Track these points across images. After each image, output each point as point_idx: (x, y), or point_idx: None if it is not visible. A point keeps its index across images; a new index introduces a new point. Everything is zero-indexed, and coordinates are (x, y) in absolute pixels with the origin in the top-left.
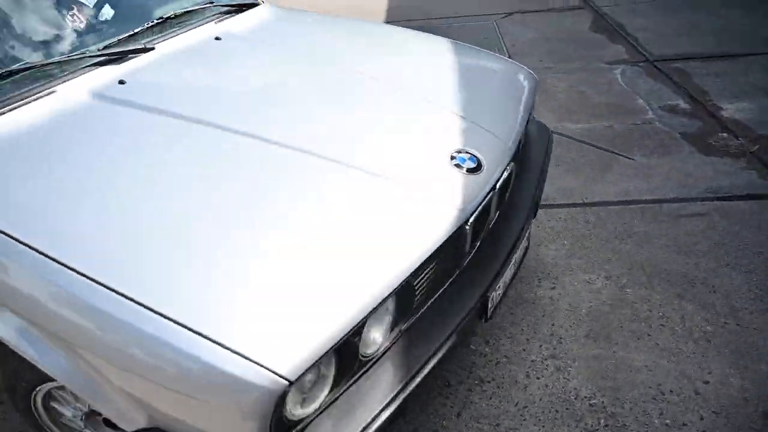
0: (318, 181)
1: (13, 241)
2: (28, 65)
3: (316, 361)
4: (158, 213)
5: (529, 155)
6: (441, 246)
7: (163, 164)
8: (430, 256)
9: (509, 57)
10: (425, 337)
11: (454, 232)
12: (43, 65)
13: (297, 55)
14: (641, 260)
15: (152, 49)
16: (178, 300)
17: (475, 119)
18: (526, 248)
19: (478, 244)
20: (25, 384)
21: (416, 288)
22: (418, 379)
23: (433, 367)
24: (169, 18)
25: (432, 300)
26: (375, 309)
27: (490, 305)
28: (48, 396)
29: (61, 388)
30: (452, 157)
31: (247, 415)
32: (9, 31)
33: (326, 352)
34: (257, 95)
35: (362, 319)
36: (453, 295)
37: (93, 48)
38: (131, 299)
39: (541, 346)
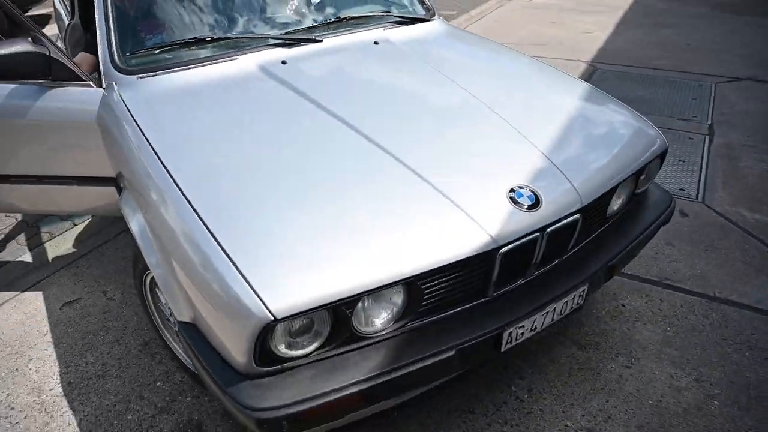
0: (385, 178)
1: (165, 171)
2: (228, 36)
3: (305, 312)
4: (260, 170)
5: (630, 219)
6: (459, 262)
7: (281, 134)
8: (443, 267)
9: (710, 125)
10: (426, 341)
11: (479, 255)
12: (236, 38)
13: (433, 70)
14: (750, 378)
15: (320, 41)
16: (238, 237)
17: (558, 162)
18: (579, 307)
19: (521, 281)
20: (141, 267)
21: (426, 291)
22: (399, 373)
23: (429, 374)
24: (347, 18)
25: (448, 312)
26: (372, 291)
27: (505, 340)
28: (153, 281)
29: None
30: (512, 189)
31: (240, 335)
32: (223, 8)
33: (315, 308)
34: (379, 98)
35: (356, 294)
36: (471, 316)
37: (276, 32)
38: (212, 233)
39: (583, 415)
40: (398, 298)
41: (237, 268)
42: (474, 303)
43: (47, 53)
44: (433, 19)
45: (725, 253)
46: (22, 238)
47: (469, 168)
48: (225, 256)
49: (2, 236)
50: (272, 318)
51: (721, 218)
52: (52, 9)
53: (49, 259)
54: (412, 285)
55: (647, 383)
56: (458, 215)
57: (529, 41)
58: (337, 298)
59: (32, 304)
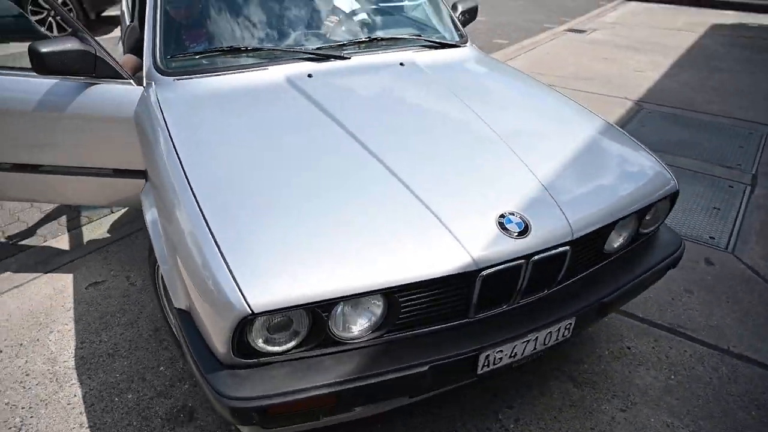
0: (379, 192)
1: (181, 168)
2: (261, 47)
3: (282, 309)
4: (267, 177)
5: (632, 259)
6: (437, 280)
7: (294, 144)
8: (420, 282)
9: (754, 175)
10: (401, 354)
11: (458, 275)
12: (269, 50)
13: (450, 94)
14: None
15: (348, 58)
16: (234, 238)
17: (555, 193)
18: (565, 339)
19: (506, 307)
20: (153, 256)
21: (403, 304)
22: (369, 381)
23: (401, 387)
24: (378, 39)
25: (426, 328)
26: (348, 298)
27: (482, 363)
28: None
29: None
30: (502, 215)
31: (222, 325)
32: (259, 21)
33: (292, 307)
34: (391, 116)
35: (332, 298)
36: (450, 335)
37: (308, 46)
38: (211, 231)
39: None
40: (377, 307)
41: (227, 265)
42: (454, 323)
43: (93, 52)
44: (464, 46)
45: (747, 306)
46: (63, 219)
47: (463, 190)
48: (219, 253)
49: (43, 216)
50: (250, 312)
51: (749, 271)
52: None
53: (84, 241)
54: (390, 296)
55: (640, 429)
56: (443, 234)
57: (575, 75)
58: (313, 300)
59: (62, 281)
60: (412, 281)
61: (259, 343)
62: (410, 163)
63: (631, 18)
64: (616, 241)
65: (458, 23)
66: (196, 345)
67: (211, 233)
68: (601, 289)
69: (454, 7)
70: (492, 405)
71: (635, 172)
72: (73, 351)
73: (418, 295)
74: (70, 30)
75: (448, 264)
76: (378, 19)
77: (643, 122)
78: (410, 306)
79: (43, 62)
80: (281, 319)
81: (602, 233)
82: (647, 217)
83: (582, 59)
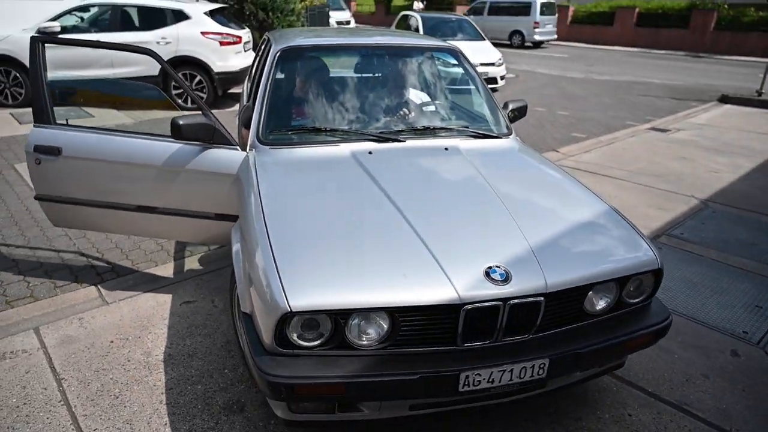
0: (398, 238)
1: (261, 209)
2: (337, 128)
3: (311, 312)
4: (321, 220)
5: (615, 324)
6: (429, 307)
7: (346, 201)
8: (415, 307)
9: None
10: (399, 363)
11: (445, 306)
12: (343, 131)
13: (478, 174)
14: None
15: (403, 141)
16: (288, 257)
17: (539, 254)
18: (540, 378)
19: (490, 342)
20: (233, 280)
21: (402, 324)
22: (371, 379)
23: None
24: (432, 128)
25: (422, 348)
26: (359, 311)
27: (462, 381)
28: None
29: None
30: (490, 266)
31: (269, 321)
32: (338, 111)
33: (318, 311)
34: (425, 188)
35: (347, 309)
36: (439, 355)
37: (374, 130)
38: (273, 252)
39: None
40: (383, 323)
41: (279, 277)
42: (445, 348)
43: (213, 125)
44: (506, 138)
45: (764, 398)
46: (171, 250)
47: (463, 243)
48: (275, 269)
49: (159, 248)
50: (289, 310)
51: None
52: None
53: (184, 269)
54: (393, 315)
55: None
56: (439, 274)
57: (645, 171)
58: (333, 308)
59: (163, 297)
60: (409, 305)
61: (294, 337)
62: (426, 219)
63: (723, 120)
64: (598, 304)
65: (505, 118)
66: (251, 338)
67: (273, 255)
68: (579, 341)
69: (505, 105)
70: None
71: (619, 247)
72: (164, 348)
73: (414, 318)
74: (198, 108)
75: (438, 296)
76: (435, 111)
77: (704, 220)
78: (408, 325)
79: (179, 130)
80: (310, 320)
81: (578, 293)
82: (630, 289)
83: (657, 157)
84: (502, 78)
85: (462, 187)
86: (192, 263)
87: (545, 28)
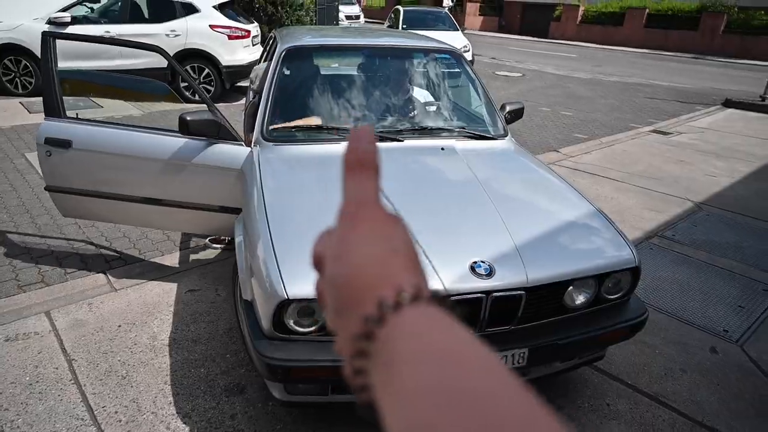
0: None
1: (263, 202)
2: (336, 127)
3: (307, 300)
4: (318, 212)
5: (594, 318)
6: None
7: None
8: None
9: None
10: None
11: None
12: (343, 129)
13: (470, 173)
14: None
15: (401, 141)
16: (286, 246)
17: (522, 251)
18: (520, 366)
19: (480, 329)
20: (235, 272)
21: None
22: None
23: None
24: (430, 128)
25: None
26: None
27: None
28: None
29: None
30: (475, 261)
31: (268, 307)
32: (338, 109)
33: (313, 300)
34: (417, 184)
35: None
36: None
37: (376, 129)
38: (272, 241)
39: None
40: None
41: (278, 267)
42: None
43: (219, 121)
44: (502, 139)
45: (736, 392)
46: (177, 241)
47: (450, 238)
48: (275, 259)
49: (165, 238)
50: (286, 297)
51: (751, 364)
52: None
53: (189, 259)
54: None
55: None
56: (426, 265)
57: (642, 173)
58: None
59: (169, 285)
60: None
61: (290, 323)
62: (418, 216)
63: (725, 124)
64: (577, 299)
65: (502, 120)
66: (252, 324)
67: (273, 245)
68: (558, 333)
69: (503, 107)
70: None
71: (600, 246)
72: (169, 333)
73: None
74: (204, 104)
75: None
76: (434, 111)
77: (696, 222)
78: None
79: (187, 126)
80: (306, 307)
81: (557, 287)
82: (609, 285)
83: (656, 159)
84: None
85: (455, 186)
86: (196, 254)
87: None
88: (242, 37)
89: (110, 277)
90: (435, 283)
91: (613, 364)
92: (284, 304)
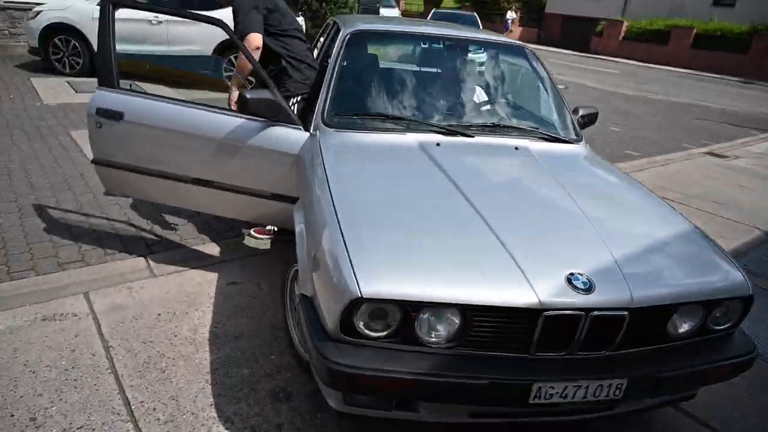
0: (472, 232)
1: (328, 190)
2: (403, 117)
3: (382, 300)
4: (390, 206)
5: (698, 351)
6: (504, 309)
7: (415, 189)
8: (490, 306)
9: None
10: (468, 366)
11: (523, 310)
12: (410, 120)
13: (551, 177)
14: None
15: (472, 137)
16: (357, 239)
17: (624, 266)
18: (616, 399)
19: (565, 355)
20: (290, 260)
21: (475, 323)
22: (436, 380)
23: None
24: (501, 125)
25: (493, 352)
26: (430, 305)
27: (534, 392)
28: (294, 273)
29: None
30: (572, 273)
31: (336, 306)
32: (405, 98)
33: (388, 300)
34: (497, 185)
35: (419, 301)
36: (511, 362)
37: (441, 122)
38: (341, 231)
39: None
40: (454, 321)
41: (349, 258)
42: (517, 355)
43: (279, 102)
44: (577, 144)
45: None
46: (219, 229)
47: (543, 246)
48: (346, 252)
49: (208, 225)
50: (359, 296)
51: None
52: None
53: (231, 249)
54: (465, 313)
55: None
56: (519, 276)
57: (703, 196)
58: (405, 299)
59: (211, 275)
60: (484, 304)
61: (360, 326)
62: (502, 218)
63: None
64: (681, 327)
65: (576, 124)
66: (313, 322)
67: (343, 238)
68: (659, 365)
69: (575, 111)
70: None
71: (707, 269)
72: (210, 327)
73: (488, 319)
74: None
75: (517, 298)
76: (503, 108)
77: (766, 251)
78: (480, 326)
79: (246, 104)
80: (379, 309)
81: (663, 312)
82: (716, 314)
83: (715, 183)
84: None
85: (537, 190)
86: (239, 243)
87: None
88: None
89: (150, 261)
90: (528, 295)
91: (700, 407)
92: (355, 303)
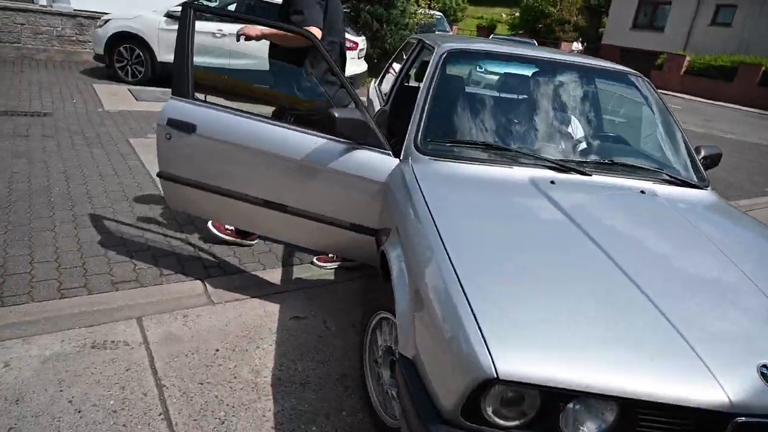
0: (634, 307)
1: (436, 232)
2: (509, 148)
3: (523, 384)
4: (516, 256)
5: None
6: (685, 408)
7: (541, 237)
8: (665, 404)
9: None
10: None
11: (709, 411)
12: (516, 151)
13: (693, 228)
14: None
15: (589, 175)
16: (483, 298)
17: None
18: None
19: None
20: (375, 306)
21: (641, 421)
22: None
23: None
24: (619, 164)
25: None
26: (585, 394)
27: None
28: (379, 322)
29: (387, 320)
30: (765, 365)
31: (458, 383)
32: (509, 126)
33: (532, 384)
34: (636, 237)
35: (570, 389)
36: None
37: (550, 155)
38: (463, 288)
39: None
40: (609, 416)
41: (479, 326)
42: None
43: (368, 124)
44: (704, 188)
45: None
46: (280, 254)
47: (721, 327)
48: (471, 313)
49: (268, 250)
50: (495, 376)
51: None
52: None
53: (293, 278)
54: (626, 408)
55: None
56: (697, 364)
57: None
58: (556, 385)
59: (272, 307)
60: (656, 399)
61: (488, 412)
62: (655, 282)
63: None
64: None
65: (699, 166)
66: (418, 394)
67: (465, 294)
68: None
69: (697, 150)
70: None
71: None
72: (272, 369)
73: (655, 418)
74: (351, 103)
75: (699, 395)
76: (619, 146)
77: None
78: (645, 427)
79: (334, 123)
80: (516, 392)
81: None
82: None
83: None
84: None
85: (686, 248)
86: (302, 272)
87: None
88: (350, 48)
89: (208, 286)
90: (715, 393)
91: None
92: (487, 384)
